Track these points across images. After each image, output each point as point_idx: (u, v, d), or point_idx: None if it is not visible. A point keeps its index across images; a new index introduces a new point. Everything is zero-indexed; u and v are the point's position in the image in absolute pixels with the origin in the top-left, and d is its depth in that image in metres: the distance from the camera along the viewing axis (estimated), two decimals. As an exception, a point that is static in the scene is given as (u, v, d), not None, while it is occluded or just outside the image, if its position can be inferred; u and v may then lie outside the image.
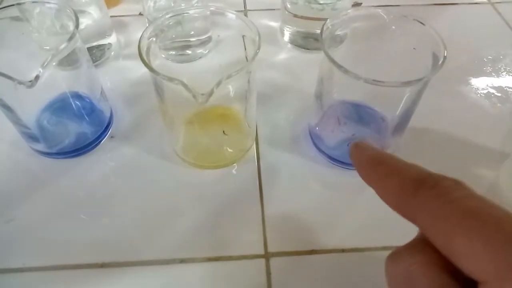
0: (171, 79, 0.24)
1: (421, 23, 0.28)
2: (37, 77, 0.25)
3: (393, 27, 0.29)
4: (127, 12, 0.47)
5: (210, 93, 0.24)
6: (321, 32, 0.27)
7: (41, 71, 0.25)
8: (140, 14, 0.47)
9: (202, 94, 0.24)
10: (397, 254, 0.15)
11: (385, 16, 0.29)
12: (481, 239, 0.12)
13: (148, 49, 0.27)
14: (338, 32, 0.30)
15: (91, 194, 0.31)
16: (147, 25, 0.40)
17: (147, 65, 0.25)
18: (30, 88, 0.25)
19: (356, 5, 0.48)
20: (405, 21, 0.29)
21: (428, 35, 0.27)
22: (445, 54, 0.25)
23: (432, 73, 0.25)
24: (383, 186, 0.16)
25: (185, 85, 0.24)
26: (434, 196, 0.14)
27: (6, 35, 0.31)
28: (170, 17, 0.29)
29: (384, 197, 0.16)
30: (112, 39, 0.42)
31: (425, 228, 0.14)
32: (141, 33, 0.27)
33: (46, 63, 0.26)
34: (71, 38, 0.27)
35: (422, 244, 0.15)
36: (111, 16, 0.42)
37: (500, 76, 0.40)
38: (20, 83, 0.25)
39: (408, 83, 0.25)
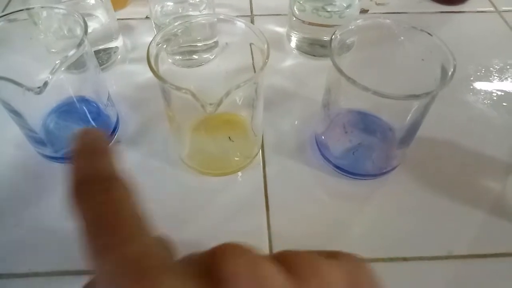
0: (179, 88, 0.24)
1: (429, 34, 0.28)
2: (45, 84, 0.25)
3: (402, 37, 0.29)
4: (134, 15, 0.47)
5: (219, 103, 0.24)
6: (330, 41, 0.27)
7: (50, 77, 0.25)
8: (147, 17, 0.47)
9: (211, 104, 0.24)
10: None
11: (394, 27, 0.29)
12: None
13: (157, 55, 0.27)
14: (346, 41, 0.30)
15: (96, 199, 0.31)
16: (154, 28, 0.40)
17: (155, 73, 0.25)
18: (38, 95, 0.25)
19: (363, 12, 0.48)
20: (414, 32, 0.28)
21: (437, 47, 0.27)
22: (454, 67, 0.25)
23: (441, 86, 0.25)
24: None
25: (193, 94, 0.23)
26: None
27: (15, 39, 0.31)
28: (179, 24, 0.29)
29: None
30: (118, 42, 0.42)
31: None
32: (147, 37, 0.27)
33: (55, 70, 0.25)
34: (80, 44, 0.27)
35: None
36: (117, 19, 0.42)
37: (507, 85, 0.40)
38: (29, 89, 0.25)
39: (416, 97, 0.24)
